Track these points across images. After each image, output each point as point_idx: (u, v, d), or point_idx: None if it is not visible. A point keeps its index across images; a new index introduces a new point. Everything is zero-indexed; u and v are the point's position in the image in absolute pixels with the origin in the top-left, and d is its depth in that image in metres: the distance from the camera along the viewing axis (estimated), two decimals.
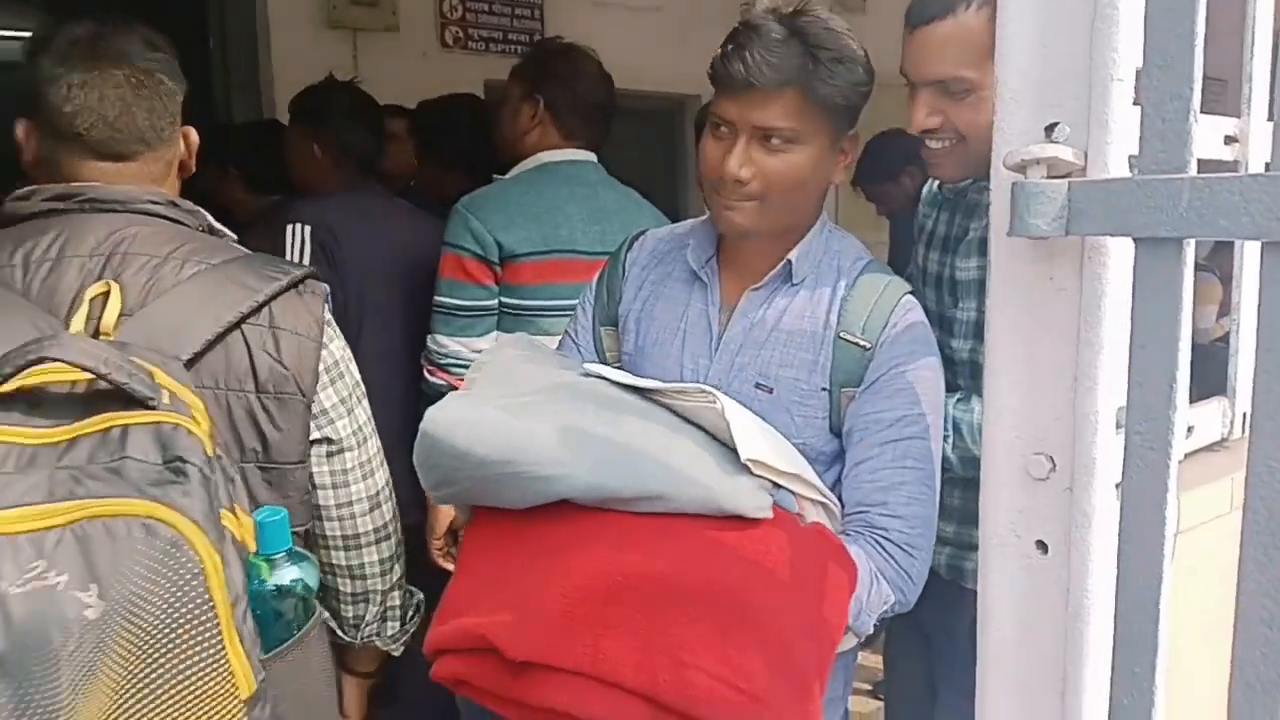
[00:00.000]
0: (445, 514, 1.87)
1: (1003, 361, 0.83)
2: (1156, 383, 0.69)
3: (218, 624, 0.87)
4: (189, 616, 0.86)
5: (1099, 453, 0.78)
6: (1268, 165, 1.01)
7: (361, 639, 1.33)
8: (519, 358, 1.27)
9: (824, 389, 1.23)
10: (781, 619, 0.97)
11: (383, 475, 1.30)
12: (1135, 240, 0.70)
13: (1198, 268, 0.71)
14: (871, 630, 1.17)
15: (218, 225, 1.25)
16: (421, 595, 1.43)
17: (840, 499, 1.22)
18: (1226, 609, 0.66)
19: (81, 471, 0.88)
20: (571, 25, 4.07)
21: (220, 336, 1.09)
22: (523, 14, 4.53)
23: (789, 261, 1.28)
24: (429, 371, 2.01)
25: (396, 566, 1.33)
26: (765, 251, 1.29)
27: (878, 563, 1.15)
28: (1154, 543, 0.70)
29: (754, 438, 1.10)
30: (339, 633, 1.30)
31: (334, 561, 1.27)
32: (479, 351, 1.88)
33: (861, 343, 1.22)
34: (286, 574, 1.04)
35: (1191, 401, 1.09)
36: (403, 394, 2.07)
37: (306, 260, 2.09)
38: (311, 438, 1.20)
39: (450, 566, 1.63)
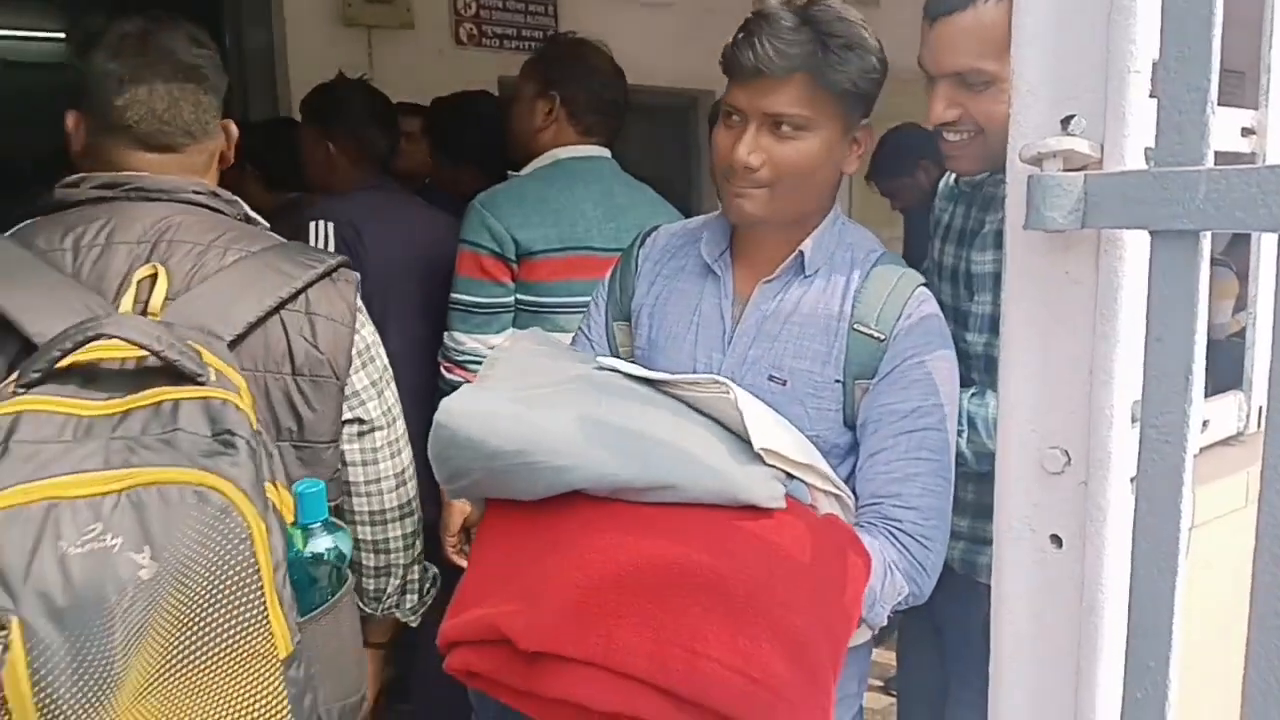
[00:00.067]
0: (459, 510, 1.88)
1: (1018, 355, 0.83)
2: (1172, 376, 0.69)
3: (261, 587, 0.92)
4: (235, 579, 0.91)
5: (1114, 447, 0.77)
6: None
7: (382, 610, 1.39)
8: (533, 351, 1.28)
9: (838, 381, 1.23)
10: (795, 609, 0.97)
11: (408, 454, 1.35)
12: (1151, 233, 0.70)
13: (1214, 262, 0.71)
14: (885, 622, 1.17)
15: (254, 214, 1.29)
16: (437, 570, 1.48)
17: (854, 492, 1.22)
18: (1241, 603, 0.65)
19: (135, 442, 0.93)
20: (585, 21, 4.07)
21: (260, 320, 1.15)
22: (537, 10, 4.54)
23: (801, 252, 1.28)
24: (446, 369, 2.01)
25: (417, 542, 1.39)
26: (778, 243, 1.29)
27: (891, 554, 1.15)
28: (1169, 537, 0.69)
29: (767, 427, 1.10)
30: (360, 604, 1.34)
31: (360, 536, 1.32)
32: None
33: (875, 334, 1.22)
34: (322, 543, 1.09)
35: (1207, 396, 1.08)
36: (421, 391, 2.08)
37: None
38: (343, 418, 1.25)
39: (464, 563, 1.64)
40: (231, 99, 1.33)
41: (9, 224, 1.20)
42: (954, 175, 1.54)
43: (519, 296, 1.99)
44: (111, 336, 0.97)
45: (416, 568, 1.41)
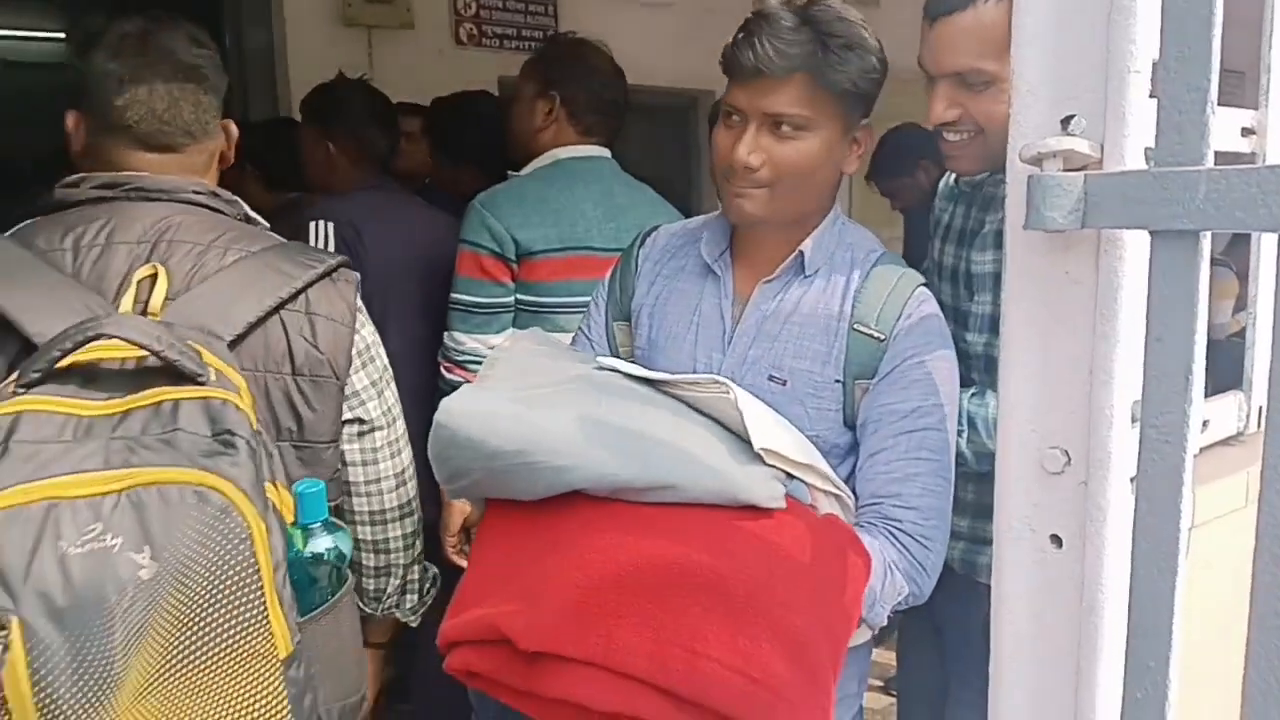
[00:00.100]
0: (459, 511, 1.88)
1: (1018, 355, 0.83)
2: (1172, 376, 0.69)
3: (261, 587, 0.92)
4: (235, 579, 0.91)
5: (1114, 446, 0.77)
6: None
7: (382, 610, 1.39)
8: (533, 351, 1.28)
9: (838, 381, 1.23)
10: (795, 609, 0.97)
11: (408, 454, 1.35)
12: (1151, 233, 0.70)
13: (1213, 262, 0.71)
14: (885, 622, 1.17)
15: (253, 214, 1.29)
16: (437, 570, 1.49)
17: (854, 492, 1.22)
18: (1241, 603, 0.65)
19: (135, 441, 0.93)
20: (585, 21, 4.07)
21: (260, 320, 1.15)
22: (537, 10, 4.54)
23: (801, 252, 1.28)
24: (446, 369, 2.01)
25: (417, 542, 1.39)
26: (778, 243, 1.29)
27: (891, 554, 1.15)
28: (1168, 537, 0.70)
29: (767, 427, 1.10)
30: (359, 604, 1.34)
31: (360, 536, 1.32)
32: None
33: (875, 334, 1.22)
34: (322, 543, 1.09)
35: (1206, 396, 1.08)
36: (421, 391, 2.08)
37: None
38: (343, 418, 1.25)
39: (464, 563, 1.64)
40: (231, 99, 1.33)
41: (8, 224, 1.20)
42: (954, 175, 1.54)
43: (519, 296, 1.99)
44: (112, 336, 0.98)
45: (416, 568, 1.41)
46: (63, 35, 5.19)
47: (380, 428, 1.30)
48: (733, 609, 0.94)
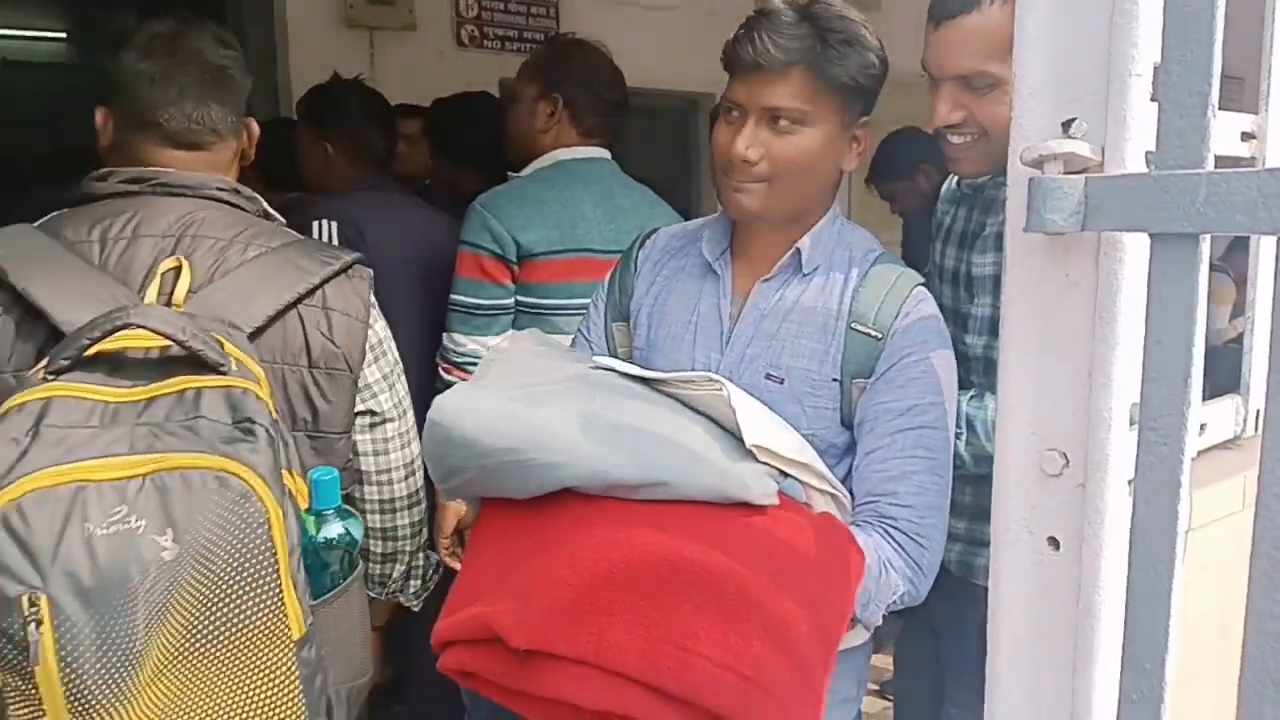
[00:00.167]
0: (453, 512, 1.88)
1: (1017, 357, 0.83)
2: (1171, 379, 0.69)
3: (277, 570, 0.96)
4: (253, 562, 0.95)
5: (1112, 449, 0.77)
6: None
7: (386, 595, 1.44)
8: (530, 352, 1.28)
9: (835, 379, 1.23)
10: (786, 606, 0.97)
11: (417, 446, 1.39)
12: (1151, 236, 0.70)
13: (1212, 268, 0.72)
14: (880, 621, 1.17)
15: (272, 211, 1.33)
16: (438, 556, 1.51)
17: (851, 491, 1.22)
18: (1237, 606, 0.66)
19: (160, 428, 0.97)
20: (586, 23, 4.08)
21: (279, 314, 1.19)
22: (538, 12, 4.54)
23: (798, 250, 1.28)
24: (444, 370, 2.01)
25: (424, 530, 1.44)
26: (777, 242, 1.29)
27: (887, 552, 1.15)
28: (1166, 539, 0.70)
29: (760, 424, 1.10)
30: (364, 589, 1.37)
31: (369, 524, 1.36)
32: None
33: (873, 333, 1.22)
34: (334, 528, 1.13)
35: (1204, 401, 1.08)
36: (420, 391, 2.08)
37: None
38: (356, 409, 1.29)
39: (457, 565, 1.64)
40: None
41: (8, 221, 1.21)
42: (956, 178, 1.55)
43: (519, 298, 1.98)
44: (139, 326, 1.01)
45: (421, 554, 1.45)
46: (64, 35, 5.20)
47: (392, 419, 1.33)
48: (724, 606, 0.94)
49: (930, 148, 1.45)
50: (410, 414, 1.37)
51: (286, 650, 0.98)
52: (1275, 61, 1.04)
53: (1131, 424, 0.77)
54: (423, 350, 2.12)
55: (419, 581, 1.47)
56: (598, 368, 1.21)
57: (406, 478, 1.37)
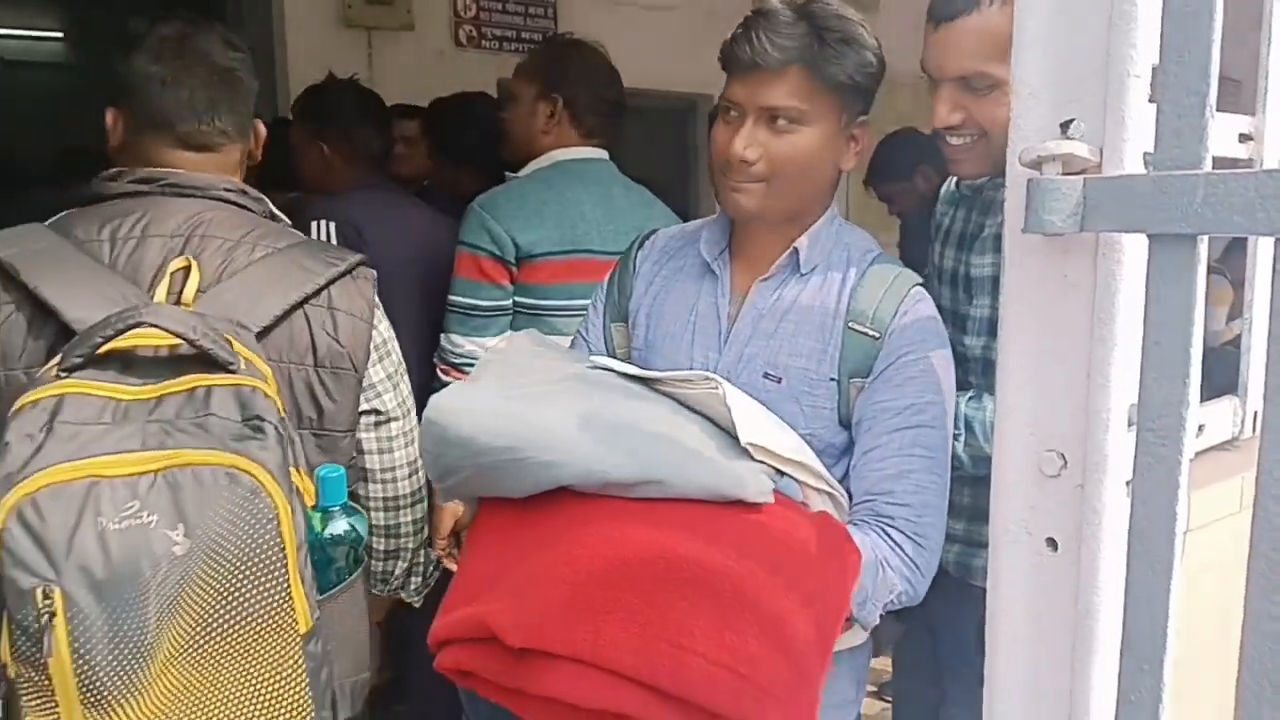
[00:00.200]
0: (450, 513, 1.88)
1: (1015, 358, 0.83)
2: (1169, 380, 0.69)
3: (286, 565, 0.98)
4: (262, 557, 0.97)
5: (1111, 450, 0.78)
6: None
7: (388, 591, 1.46)
8: (528, 352, 1.28)
9: (832, 379, 1.23)
10: (783, 603, 0.97)
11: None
12: (1150, 237, 0.70)
13: (1209, 270, 0.72)
14: (877, 621, 1.16)
15: (277, 212, 1.35)
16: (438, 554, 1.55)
17: (849, 491, 1.22)
18: (1235, 607, 0.66)
19: (171, 425, 0.99)
20: (585, 23, 4.08)
21: (286, 314, 1.20)
22: (536, 12, 4.54)
23: (796, 249, 1.28)
24: (443, 371, 2.00)
25: (425, 527, 1.46)
26: (775, 241, 1.30)
27: (884, 551, 1.15)
28: (1164, 540, 0.70)
29: (756, 422, 1.10)
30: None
31: (373, 521, 1.37)
32: None
33: (870, 332, 1.22)
34: (340, 525, 1.15)
35: (1201, 402, 1.09)
36: (419, 393, 2.07)
37: None
38: (361, 409, 1.31)
39: (454, 567, 1.65)
40: None
41: (8, 222, 1.22)
42: (955, 179, 1.55)
43: (517, 299, 1.98)
44: (151, 325, 1.03)
45: (423, 551, 1.47)
46: (61, 35, 5.19)
47: (396, 418, 1.35)
48: (720, 604, 0.94)
49: (928, 149, 1.45)
50: (414, 413, 1.38)
51: (294, 644, 1.00)
52: (1272, 63, 1.04)
53: (1130, 425, 0.77)
54: (421, 351, 2.11)
55: (420, 578, 1.49)
56: (595, 368, 1.21)
57: (410, 475, 1.39)
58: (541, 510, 1.06)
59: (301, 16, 3.90)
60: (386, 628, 1.54)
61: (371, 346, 1.30)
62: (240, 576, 0.96)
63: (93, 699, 0.91)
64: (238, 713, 0.99)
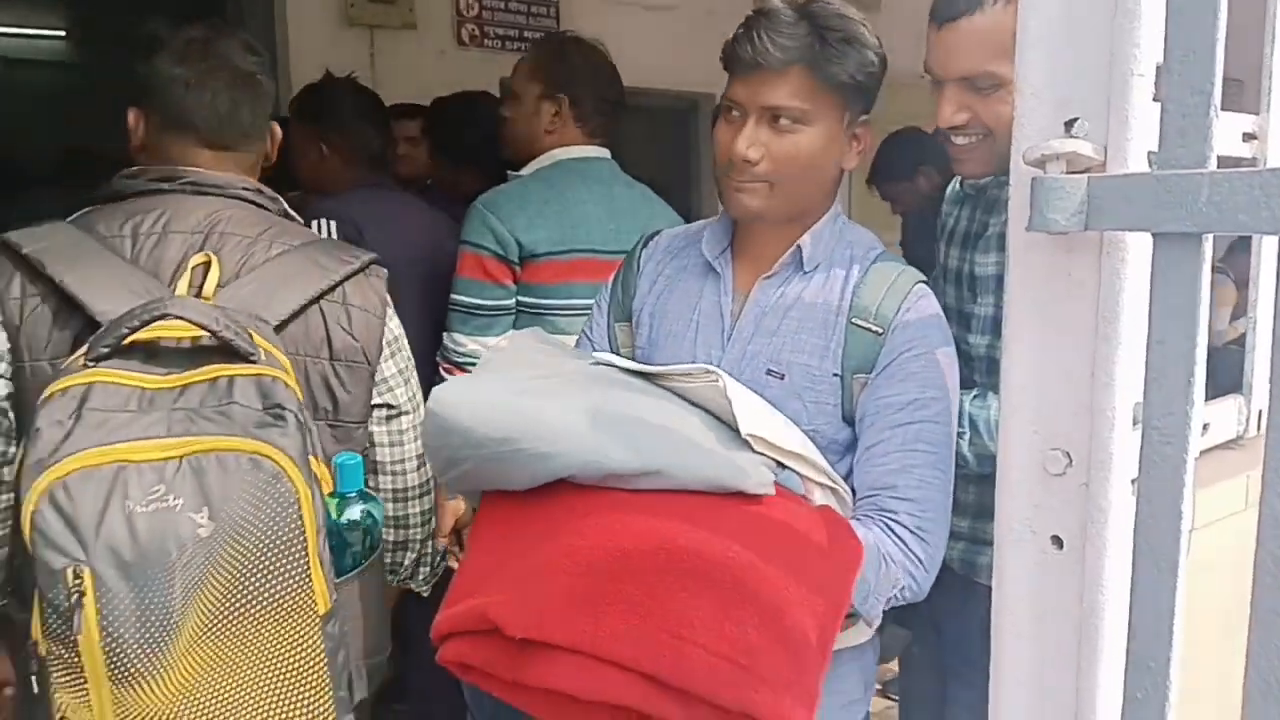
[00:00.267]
0: (451, 510, 1.89)
1: (1020, 356, 0.83)
2: (1174, 378, 0.69)
3: (306, 548, 1.02)
4: (284, 539, 1.01)
5: (1115, 448, 0.78)
6: None
7: (398, 581, 1.49)
8: (531, 348, 1.28)
9: (835, 375, 1.23)
10: (783, 595, 0.97)
11: None
12: (1154, 235, 0.70)
13: (1213, 270, 0.71)
14: (879, 616, 1.16)
15: (291, 211, 1.39)
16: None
17: (852, 488, 1.22)
18: (1241, 605, 0.66)
19: (195, 413, 1.03)
20: (587, 22, 4.08)
21: (302, 309, 1.25)
22: (539, 11, 4.54)
23: (799, 247, 1.28)
24: (445, 370, 2.00)
25: (433, 519, 1.50)
26: (778, 240, 1.30)
27: (887, 546, 1.14)
28: (1169, 538, 0.70)
29: (756, 414, 1.10)
30: None
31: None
32: None
33: (873, 328, 1.22)
34: (356, 511, 1.19)
35: (1206, 401, 1.09)
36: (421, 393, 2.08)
37: None
38: (373, 402, 1.35)
39: (455, 564, 1.66)
40: None
41: (9, 222, 1.25)
42: (959, 178, 1.55)
43: (519, 298, 1.98)
44: (176, 317, 1.07)
45: (430, 542, 1.51)
46: (63, 33, 5.19)
47: (407, 412, 1.39)
48: (720, 595, 0.94)
49: (930, 148, 1.45)
50: (423, 408, 1.41)
51: (313, 624, 1.03)
52: (1276, 63, 1.04)
53: (1135, 423, 0.77)
54: (423, 350, 2.11)
55: (429, 568, 1.52)
56: (597, 363, 1.21)
57: (419, 468, 1.42)
58: (542, 503, 1.06)
59: (304, 15, 3.90)
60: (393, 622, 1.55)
61: (384, 342, 1.35)
62: (262, 559, 0.99)
63: (120, 676, 0.95)
64: (259, 690, 1.02)
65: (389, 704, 2.41)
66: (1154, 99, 0.73)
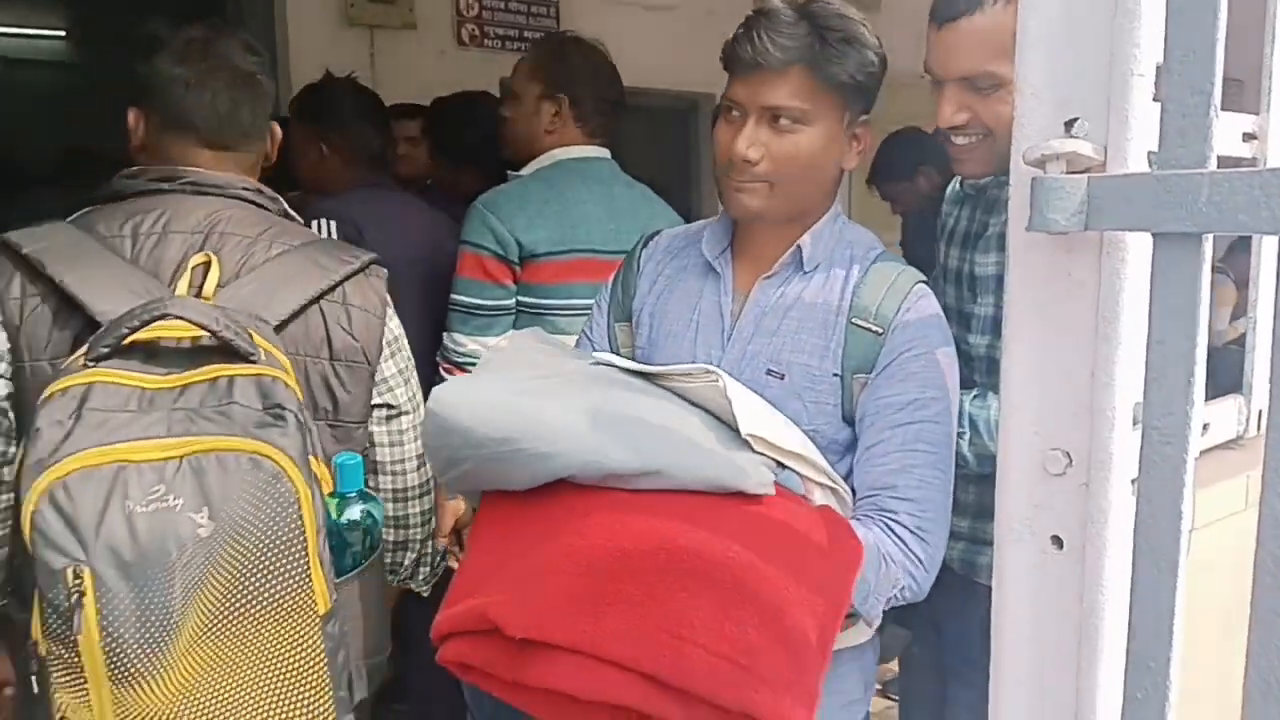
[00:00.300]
0: (451, 511, 1.89)
1: (1020, 356, 0.83)
2: (1174, 378, 0.69)
3: (306, 548, 1.02)
4: (284, 538, 1.01)
5: (1115, 448, 0.78)
6: None
7: (398, 581, 1.49)
8: (531, 348, 1.29)
9: (835, 374, 1.23)
10: (783, 594, 0.97)
11: None
12: (1154, 235, 0.70)
13: (1213, 270, 0.72)
14: (879, 616, 1.16)
15: (291, 211, 1.39)
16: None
17: (852, 488, 1.22)
18: (1241, 605, 0.66)
19: (195, 413, 1.03)
20: (587, 22, 4.08)
21: (302, 309, 1.25)
22: (539, 11, 4.54)
23: (799, 247, 1.28)
24: (445, 370, 2.00)
25: (433, 519, 1.49)
26: (778, 240, 1.30)
27: (887, 546, 1.14)
28: (1169, 538, 0.70)
29: (756, 414, 1.10)
30: None
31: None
32: None
33: (873, 328, 1.22)
34: (356, 511, 1.19)
35: (1206, 401, 1.09)
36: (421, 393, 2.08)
37: None
38: (373, 402, 1.35)
39: (455, 565, 1.66)
40: None
41: (9, 222, 1.24)
42: (959, 179, 1.55)
43: (520, 298, 1.98)
44: (176, 316, 1.07)
45: (430, 542, 1.51)
46: (63, 33, 5.19)
47: (407, 412, 1.39)
48: (720, 594, 0.94)
49: (930, 148, 1.45)
50: (423, 408, 1.42)
51: (313, 624, 1.03)
52: (1276, 63, 1.04)
53: (1135, 423, 0.77)
54: (423, 350, 2.11)
55: (429, 568, 1.52)
56: (597, 363, 1.22)
57: (419, 468, 1.42)
58: (542, 503, 1.06)
59: (303, 15, 3.90)
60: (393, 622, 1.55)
61: (384, 342, 1.34)
62: (262, 559, 0.99)
63: (120, 676, 0.95)
64: (259, 690, 1.02)
65: (389, 704, 2.41)
66: (1154, 99, 0.73)
